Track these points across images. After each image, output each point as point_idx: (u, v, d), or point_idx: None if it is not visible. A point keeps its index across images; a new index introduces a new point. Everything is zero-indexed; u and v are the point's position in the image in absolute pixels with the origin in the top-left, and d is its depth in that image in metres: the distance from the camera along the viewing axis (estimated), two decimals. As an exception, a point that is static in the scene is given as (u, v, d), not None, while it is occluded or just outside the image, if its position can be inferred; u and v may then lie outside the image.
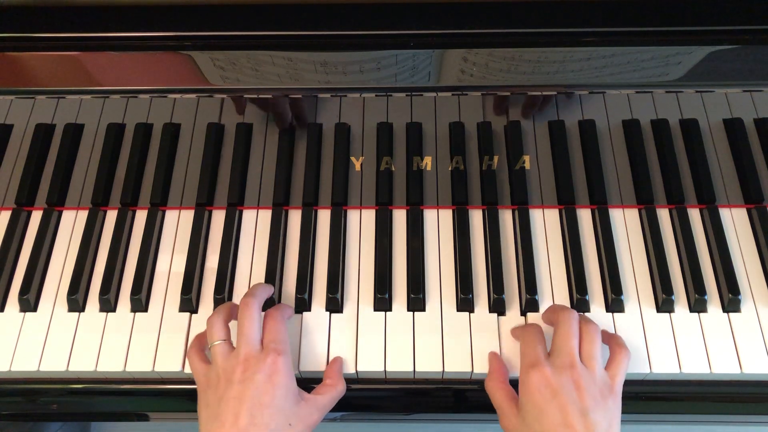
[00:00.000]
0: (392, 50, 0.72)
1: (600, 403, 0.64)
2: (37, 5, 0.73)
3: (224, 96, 0.77)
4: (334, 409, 0.74)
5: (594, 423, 0.62)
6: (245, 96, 0.77)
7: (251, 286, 0.78)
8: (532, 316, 0.76)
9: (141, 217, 0.84)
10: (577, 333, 0.68)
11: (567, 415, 0.62)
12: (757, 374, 0.73)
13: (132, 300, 0.77)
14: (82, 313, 0.78)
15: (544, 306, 0.77)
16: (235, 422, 0.63)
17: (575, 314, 0.69)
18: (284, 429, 0.65)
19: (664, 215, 0.83)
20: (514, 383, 0.69)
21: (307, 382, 0.76)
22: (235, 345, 0.69)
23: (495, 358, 0.72)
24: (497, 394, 0.68)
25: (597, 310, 0.77)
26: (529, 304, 0.77)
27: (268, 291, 0.74)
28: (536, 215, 0.83)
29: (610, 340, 0.71)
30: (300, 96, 0.77)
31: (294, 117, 0.80)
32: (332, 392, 0.71)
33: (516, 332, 0.74)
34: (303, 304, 0.77)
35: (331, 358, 0.74)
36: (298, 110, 0.79)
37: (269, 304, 0.76)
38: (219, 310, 0.72)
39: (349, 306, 0.78)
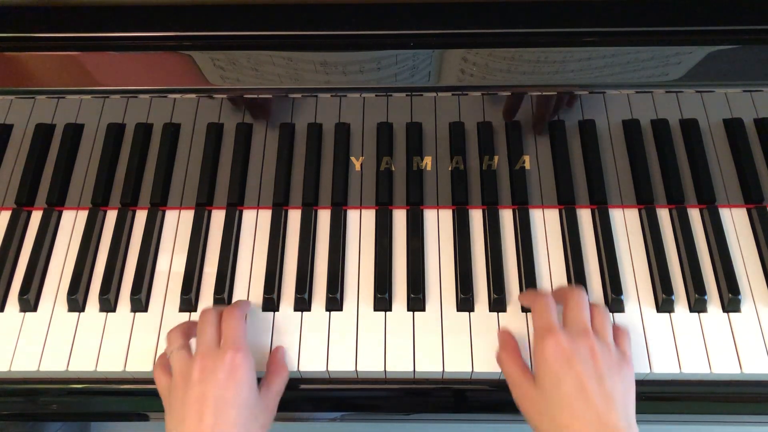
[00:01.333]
0: (392, 50, 0.72)
1: (615, 370, 0.64)
2: (37, 5, 0.73)
3: (224, 96, 0.77)
4: (334, 410, 0.74)
5: (611, 389, 0.62)
6: (247, 96, 0.77)
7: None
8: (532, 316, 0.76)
9: (141, 217, 0.84)
10: (587, 306, 0.68)
11: (583, 381, 0.62)
12: (757, 374, 0.73)
13: (132, 300, 0.77)
14: (82, 313, 0.78)
15: (544, 306, 0.77)
16: (199, 422, 0.62)
17: (583, 291, 0.70)
18: (251, 423, 0.65)
19: (664, 215, 0.83)
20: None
21: (307, 382, 0.76)
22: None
23: (506, 332, 0.73)
24: (509, 363, 0.68)
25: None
26: (529, 304, 0.77)
27: (242, 306, 0.74)
28: (536, 215, 0.83)
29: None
30: (300, 96, 0.77)
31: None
32: (280, 377, 0.71)
33: (526, 298, 0.74)
34: (303, 304, 0.77)
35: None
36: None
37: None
38: (178, 324, 0.73)
39: (348, 306, 0.78)
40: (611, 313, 0.76)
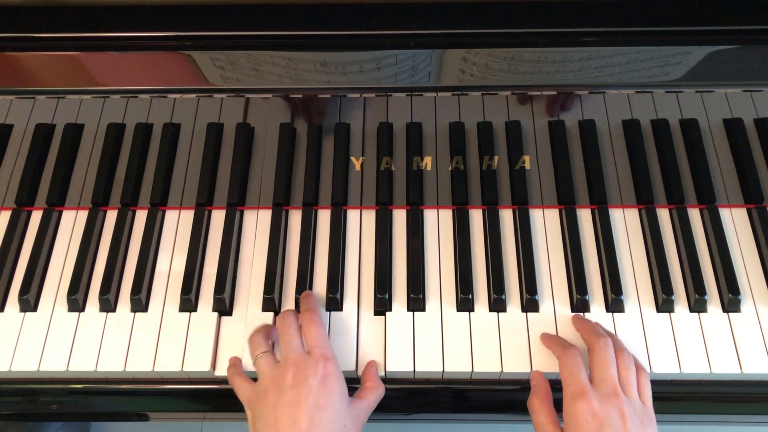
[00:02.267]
0: (392, 50, 0.72)
1: (643, 428, 0.65)
2: (37, 5, 0.73)
3: (224, 96, 0.77)
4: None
5: None
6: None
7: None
8: (532, 316, 0.76)
9: (141, 217, 0.84)
10: (614, 360, 0.68)
11: None
12: (757, 374, 0.73)
13: (132, 300, 0.77)
14: (82, 313, 0.78)
15: (544, 306, 0.77)
16: (294, 426, 0.63)
17: (609, 341, 0.70)
18: (341, 430, 0.65)
19: (664, 215, 0.83)
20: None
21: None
22: (278, 357, 0.69)
23: (540, 377, 0.72)
24: (542, 414, 0.68)
25: (597, 310, 0.77)
26: (529, 304, 0.77)
27: (317, 309, 0.74)
28: (536, 215, 0.83)
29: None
30: (300, 96, 0.77)
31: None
32: (374, 394, 0.71)
33: (551, 346, 0.73)
34: (303, 304, 0.77)
35: (365, 361, 0.74)
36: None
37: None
38: (257, 328, 0.73)
39: (348, 306, 0.78)
40: (611, 314, 0.76)
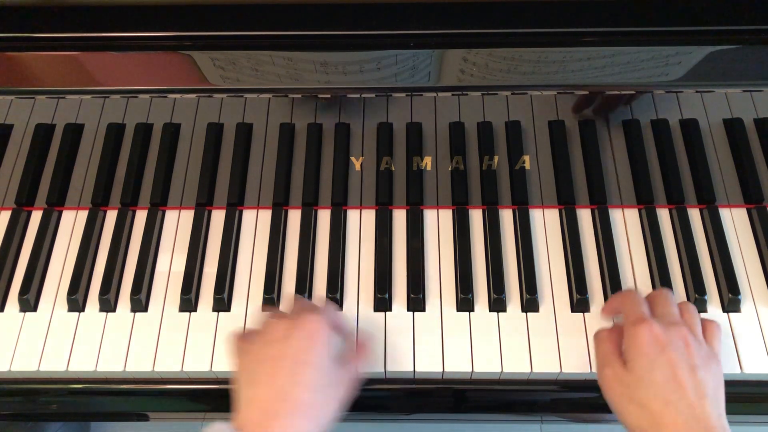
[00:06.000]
0: (392, 50, 0.72)
1: (707, 363, 0.63)
2: (37, 5, 0.73)
3: (224, 96, 0.77)
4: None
5: (702, 381, 0.61)
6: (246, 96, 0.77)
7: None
8: (532, 316, 0.76)
9: (141, 217, 0.84)
10: (675, 302, 0.68)
11: (677, 369, 0.61)
12: (757, 374, 0.73)
13: (132, 300, 0.77)
14: (82, 313, 0.78)
15: (544, 306, 0.77)
16: (270, 381, 0.61)
17: (670, 289, 0.70)
18: (325, 389, 0.63)
19: (664, 215, 0.83)
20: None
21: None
22: None
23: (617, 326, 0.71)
24: (607, 340, 0.67)
25: (597, 310, 0.77)
26: (529, 304, 0.77)
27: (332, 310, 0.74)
28: (536, 215, 0.83)
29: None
30: (300, 96, 0.77)
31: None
32: (363, 355, 0.70)
33: (610, 304, 0.74)
34: (303, 304, 0.77)
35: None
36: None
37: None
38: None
39: (348, 306, 0.78)
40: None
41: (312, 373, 0.62)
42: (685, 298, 0.77)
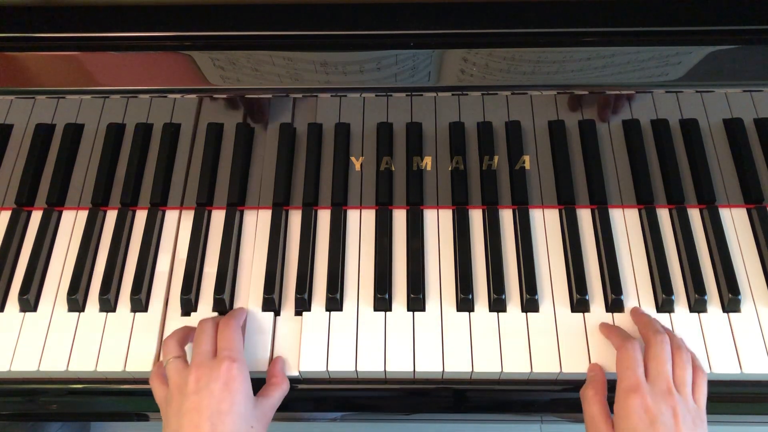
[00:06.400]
0: (392, 50, 0.72)
1: (693, 431, 0.64)
2: (37, 5, 0.73)
3: (224, 96, 0.77)
4: (334, 410, 0.74)
5: None
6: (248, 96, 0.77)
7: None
8: (532, 316, 0.76)
9: (141, 217, 0.84)
10: (670, 358, 0.68)
11: None
12: (757, 374, 0.73)
13: (132, 300, 0.77)
14: (82, 313, 0.78)
15: (544, 306, 0.77)
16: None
17: (667, 337, 0.70)
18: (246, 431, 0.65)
19: (664, 215, 0.83)
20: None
21: (307, 382, 0.76)
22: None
23: (599, 370, 0.72)
24: (594, 406, 0.68)
25: (597, 310, 0.77)
26: (529, 304, 0.77)
27: (238, 316, 0.74)
28: (536, 215, 0.83)
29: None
30: (300, 96, 0.77)
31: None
32: (279, 390, 0.71)
33: (610, 336, 0.73)
34: (303, 304, 0.77)
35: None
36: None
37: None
38: (174, 331, 0.73)
39: (348, 306, 0.78)
40: (611, 314, 0.76)
41: (233, 422, 0.64)
42: (685, 298, 0.77)
